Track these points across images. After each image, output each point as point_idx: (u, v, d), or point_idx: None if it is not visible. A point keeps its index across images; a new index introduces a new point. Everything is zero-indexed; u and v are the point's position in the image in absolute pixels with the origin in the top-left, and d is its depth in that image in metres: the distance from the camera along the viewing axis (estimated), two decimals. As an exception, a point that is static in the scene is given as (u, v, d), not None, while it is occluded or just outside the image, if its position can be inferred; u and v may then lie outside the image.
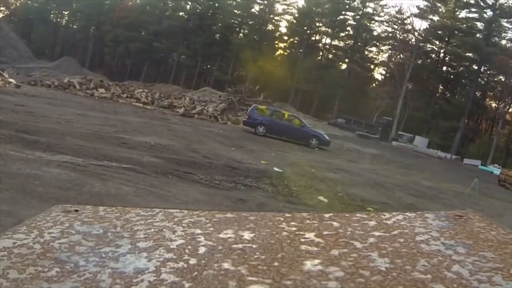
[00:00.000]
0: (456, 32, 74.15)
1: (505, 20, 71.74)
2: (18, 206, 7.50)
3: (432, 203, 17.04)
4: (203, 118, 36.36)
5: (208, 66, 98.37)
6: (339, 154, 29.49)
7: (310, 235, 1.50)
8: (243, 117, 35.29)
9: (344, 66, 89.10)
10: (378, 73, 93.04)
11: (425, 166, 35.20)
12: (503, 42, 73.53)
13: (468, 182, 23.84)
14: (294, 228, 1.58)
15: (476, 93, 74.21)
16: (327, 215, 1.70)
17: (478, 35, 73.17)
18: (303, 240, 1.47)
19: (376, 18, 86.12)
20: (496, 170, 43.55)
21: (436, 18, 78.02)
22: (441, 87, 79.73)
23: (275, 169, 16.82)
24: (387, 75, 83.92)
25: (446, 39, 76.02)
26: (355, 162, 27.20)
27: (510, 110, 70.81)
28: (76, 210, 1.74)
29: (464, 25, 74.30)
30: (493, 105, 76.62)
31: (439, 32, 76.24)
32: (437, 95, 77.19)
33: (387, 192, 17.61)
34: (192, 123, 30.57)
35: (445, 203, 17.84)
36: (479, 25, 74.43)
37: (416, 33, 77.53)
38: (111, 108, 29.78)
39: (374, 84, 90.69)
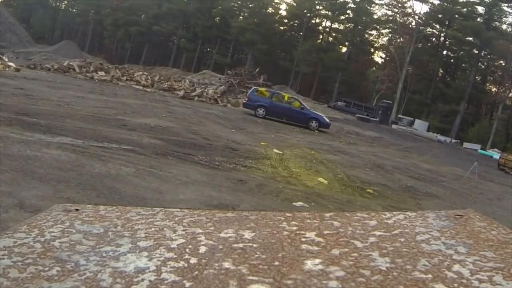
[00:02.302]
0: (456, 16, 73.80)
1: (506, 4, 71.37)
2: (19, 187, 7.53)
3: (432, 186, 17.07)
4: (203, 100, 36.21)
5: (208, 49, 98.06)
6: (339, 137, 29.46)
7: (311, 235, 1.50)
8: (243, 100, 35.21)
9: (344, 49, 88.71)
10: (378, 57, 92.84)
11: (424, 149, 35.21)
12: (504, 26, 73.43)
13: (467, 166, 23.89)
14: (294, 228, 1.57)
15: (476, 77, 74.01)
16: (327, 215, 1.70)
17: (478, 19, 72.84)
18: (303, 239, 1.46)
19: (376, 1, 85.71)
20: (496, 154, 43.51)
21: (436, 1, 77.63)
22: (441, 71, 79.50)
23: (275, 150, 16.83)
24: (387, 58, 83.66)
25: (447, 23, 75.70)
26: (355, 144, 27.20)
27: (510, 94, 70.59)
28: (77, 209, 1.73)
29: (465, 9, 73.98)
30: (493, 89, 76.41)
31: (440, 15, 75.87)
32: (437, 79, 76.93)
33: (387, 174, 17.64)
34: (192, 105, 30.49)
35: (444, 185, 17.88)
36: (480, 9, 74.18)
37: (416, 17, 77.13)
38: (111, 91, 29.70)
39: (374, 68, 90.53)
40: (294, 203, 10.03)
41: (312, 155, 18.30)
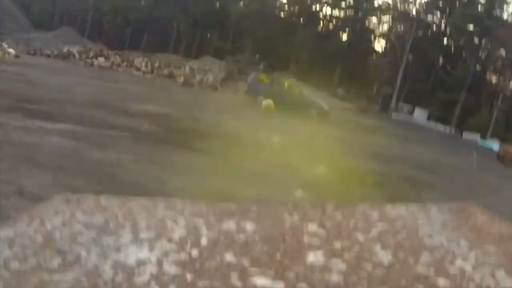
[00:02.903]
0: (457, 4, 73.41)
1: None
2: (19, 175, 7.54)
3: (431, 176, 17.08)
4: (203, 87, 36.14)
5: (208, 36, 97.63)
6: (338, 125, 29.41)
7: (313, 227, 1.49)
8: (242, 86, 35.08)
9: (344, 37, 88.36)
10: (379, 44, 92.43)
11: (424, 138, 35.18)
12: (505, 15, 73.08)
13: (467, 156, 23.88)
14: (296, 219, 1.58)
15: (477, 66, 73.70)
16: (329, 206, 1.70)
17: (479, 7, 72.45)
18: (305, 231, 1.46)
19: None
20: (495, 144, 43.51)
21: (437, -11, 77.15)
22: (442, 60, 79.14)
23: (275, 138, 16.82)
24: (388, 46, 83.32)
25: (447, 11, 75.31)
26: (355, 133, 27.15)
27: (511, 86, 70.39)
28: (78, 199, 1.73)
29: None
30: (493, 80, 76.05)
31: (440, 3, 75.47)
32: (437, 67, 76.62)
33: (387, 163, 17.63)
34: (191, 92, 30.43)
35: (444, 176, 17.88)
36: (481, -3, 73.76)
37: (417, 5, 76.77)
38: (110, 77, 29.61)
39: (374, 55, 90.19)
40: (294, 192, 10.03)
41: (311, 143, 18.28)
